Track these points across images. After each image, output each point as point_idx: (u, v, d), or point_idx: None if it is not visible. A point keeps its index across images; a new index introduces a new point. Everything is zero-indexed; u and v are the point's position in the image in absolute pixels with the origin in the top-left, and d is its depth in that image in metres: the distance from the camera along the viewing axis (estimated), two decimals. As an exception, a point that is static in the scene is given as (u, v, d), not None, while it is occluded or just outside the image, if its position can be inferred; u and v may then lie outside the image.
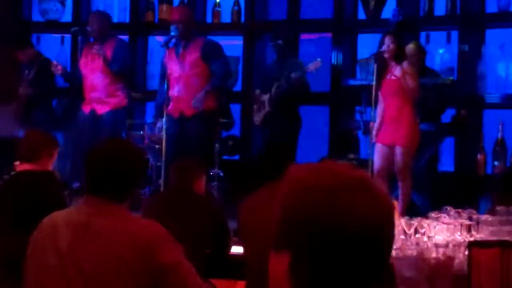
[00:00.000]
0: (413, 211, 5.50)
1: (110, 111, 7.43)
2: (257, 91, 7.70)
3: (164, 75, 7.20)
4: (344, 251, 1.30)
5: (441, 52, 8.01)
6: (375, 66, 6.59)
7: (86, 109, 7.52)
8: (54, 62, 7.79)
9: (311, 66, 7.31)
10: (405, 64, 6.60)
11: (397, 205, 5.84)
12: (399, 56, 6.63)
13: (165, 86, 7.02)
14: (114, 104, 7.45)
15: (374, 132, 6.68)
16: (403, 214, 5.02)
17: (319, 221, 1.30)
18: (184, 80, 7.04)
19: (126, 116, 7.66)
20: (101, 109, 7.44)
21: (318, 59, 7.33)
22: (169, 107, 7.03)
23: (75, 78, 7.71)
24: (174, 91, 7.07)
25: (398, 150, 6.50)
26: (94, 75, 7.48)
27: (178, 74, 7.04)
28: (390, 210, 1.35)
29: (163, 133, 6.90)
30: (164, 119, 6.89)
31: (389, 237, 1.36)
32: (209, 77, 7.09)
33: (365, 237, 1.30)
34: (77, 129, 7.52)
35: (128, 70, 7.66)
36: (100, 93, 7.46)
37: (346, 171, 1.35)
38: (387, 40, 6.61)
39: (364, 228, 1.30)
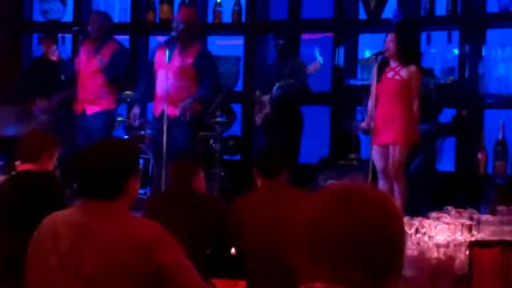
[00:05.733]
0: (414, 211, 5.49)
1: (99, 112, 7.41)
2: (257, 92, 7.68)
3: (151, 71, 7.20)
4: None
5: (442, 52, 8.00)
6: (375, 65, 6.58)
7: (78, 108, 7.53)
8: (54, 48, 7.84)
9: (311, 68, 7.30)
10: (412, 67, 6.56)
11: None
12: (407, 57, 6.59)
13: (146, 81, 7.22)
14: (104, 106, 7.44)
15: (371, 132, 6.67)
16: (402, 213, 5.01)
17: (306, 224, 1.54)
18: (171, 81, 6.92)
19: (114, 118, 7.73)
20: (91, 109, 7.43)
21: (317, 60, 7.32)
22: (153, 106, 7.11)
23: (69, 71, 7.69)
24: (159, 91, 7.03)
25: (393, 149, 6.49)
26: (88, 75, 7.47)
27: (166, 75, 6.88)
28: (380, 216, 1.52)
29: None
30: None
31: (382, 240, 1.46)
32: (196, 84, 7.03)
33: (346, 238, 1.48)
34: (70, 128, 7.53)
35: (122, 78, 7.61)
36: (91, 93, 7.44)
37: (338, 185, 1.57)
38: (387, 39, 6.61)
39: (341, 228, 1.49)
